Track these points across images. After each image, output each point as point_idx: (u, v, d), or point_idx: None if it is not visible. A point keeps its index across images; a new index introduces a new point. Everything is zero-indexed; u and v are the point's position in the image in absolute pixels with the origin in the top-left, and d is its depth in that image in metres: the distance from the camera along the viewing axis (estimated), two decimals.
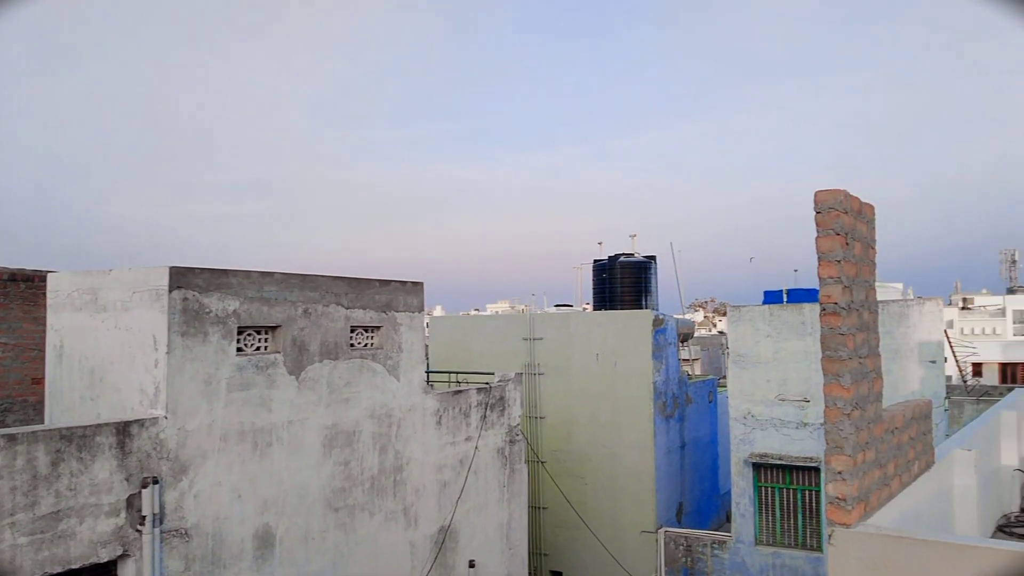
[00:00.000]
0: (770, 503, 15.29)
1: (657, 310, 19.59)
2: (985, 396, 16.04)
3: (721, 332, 42.07)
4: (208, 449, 7.89)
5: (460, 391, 11.97)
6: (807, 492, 14.87)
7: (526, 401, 17.86)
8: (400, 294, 10.55)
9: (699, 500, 19.78)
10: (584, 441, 17.89)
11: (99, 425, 7.01)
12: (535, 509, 17.56)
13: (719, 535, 15.93)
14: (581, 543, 17.45)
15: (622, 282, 21.27)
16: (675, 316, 19.43)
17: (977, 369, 37.26)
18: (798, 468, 14.93)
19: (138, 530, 7.15)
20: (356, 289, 9.83)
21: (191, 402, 7.74)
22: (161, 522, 7.35)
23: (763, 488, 15.37)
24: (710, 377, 22.21)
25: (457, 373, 15.25)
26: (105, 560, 6.90)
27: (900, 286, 24.57)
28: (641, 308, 20.47)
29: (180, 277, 7.73)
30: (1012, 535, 7.49)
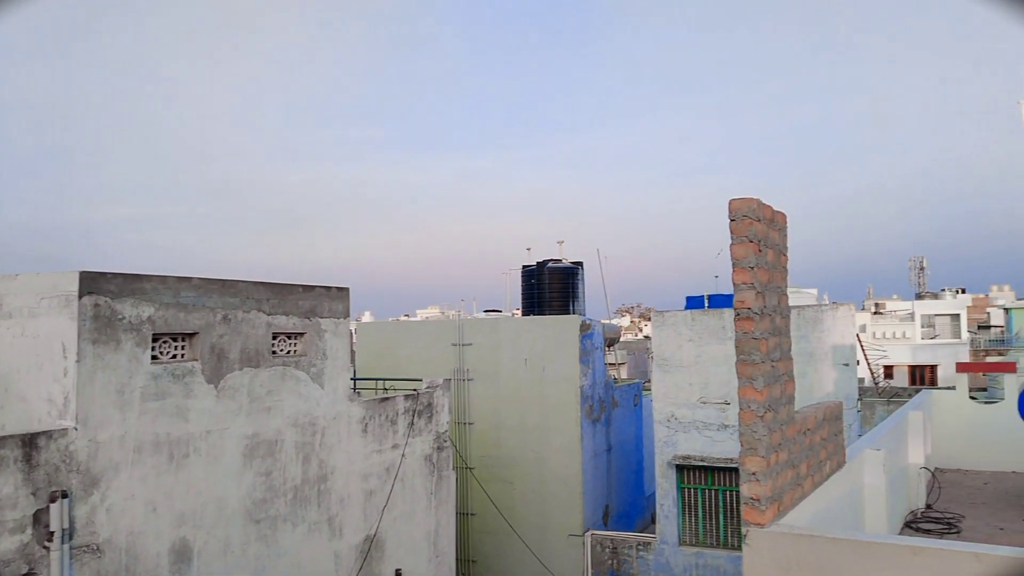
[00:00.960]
0: (693, 504, 15.61)
1: (584, 315, 19.81)
2: (895, 398, 16.77)
3: (647, 337, 42.83)
4: (121, 461, 7.59)
5: (387, 398, 11.85)
6: (728, 492, 15.24)
7: (455, 407, 17.79)
8: (325, 300, 10.37)
9: (625, 502, 20.05)
10: (513, 446, 17.93)
11: (3, 437, 6.67)
12: (463, 515, 17.49)
13: (644, 537, 16.18)
14: (509, 548, 17.46)
15: (550, 288, 21.43)
16: (602, 321, 19.67)
17: (888, 371, 38.97)
18: (720, 469, 15.29)
19: (45, 547, 6.82)
20: (278, 295, 9.61)
21: (103, 412, 7.43)
22: (71, 538, 7.03)
23: (686, 489, 15.68)
24: (636, 381, 22.57)
25: (384, 380, 15.08)
26: None
27: (815, 291, 25.50)
28: (569, 313, 20.67)
29: (91, 282, 7.42)
30: (919, 531, 7.84)
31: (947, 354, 37.33)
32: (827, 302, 22.59)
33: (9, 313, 7.86)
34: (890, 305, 51.48)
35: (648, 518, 20.70)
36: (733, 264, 3.96)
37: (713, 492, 15.46)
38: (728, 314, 15.14)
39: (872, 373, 25.80)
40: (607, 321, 22.10)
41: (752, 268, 3.92)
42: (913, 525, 7.96)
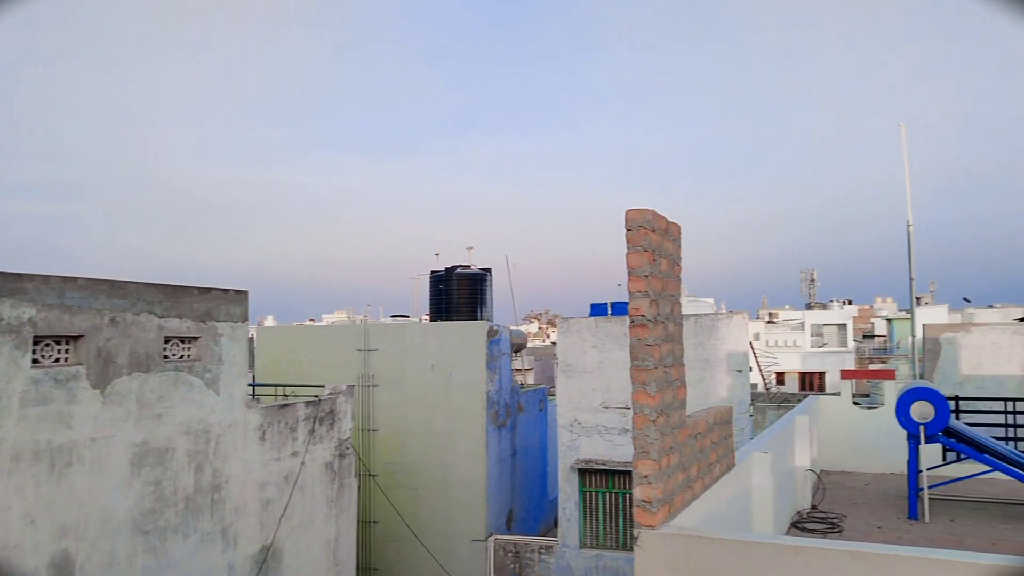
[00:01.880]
0: (594, 507, 15.89)
1: (492, 321, 19.88)
2: (785, 403, 17.55)
3: (554, 343, 43.33)
4: None
5: (286, 405, 11.56)
6: (629, 495, 15.58)
7: (359, 413, 17.52)
8: (222, 303, 10.04)
9: (529, 507, 20.21)
10: (418, 452, 17.81)
11: None
12: (365, 523, 17.23)
13: (546, 540, 16.35)
14: (412, 556, 17.32)
15: (458, 293, 21.43)
16: (509, 328, 19.80)
17: (780, 378, 40.74)
18: (620, 472, 15.61)
19: None
20: (171, 297, 9.24)
21: None
22: None
23: (588, 492, 15.95)
24: (542, 387, 22.80)
25: (285, 386, 14.72)
26: None
27: (712, 301, 26.43)
28: (477, 320, 20.71)
29: None
30: (804, 530, 8.22)
31: (834, 362, 39.32)
32: (723, 311, 23.43)
33: None
34: (783, 315, 53.89)
35: (551, 522, 20.93)
36: (628, 273, 4.06)
37: (614, 495, 15.77)
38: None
39: (764, 379, 26.91)
40: (515, 327, 22.26)
41: (647, 277, 4.04)
42: (799, 525, 8.33)
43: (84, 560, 8.00)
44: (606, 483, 15.88)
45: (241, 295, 10.39)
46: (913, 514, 8.60)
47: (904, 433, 8.72)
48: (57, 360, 7.93)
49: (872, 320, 58.24)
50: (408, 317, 24.93)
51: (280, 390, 14.76)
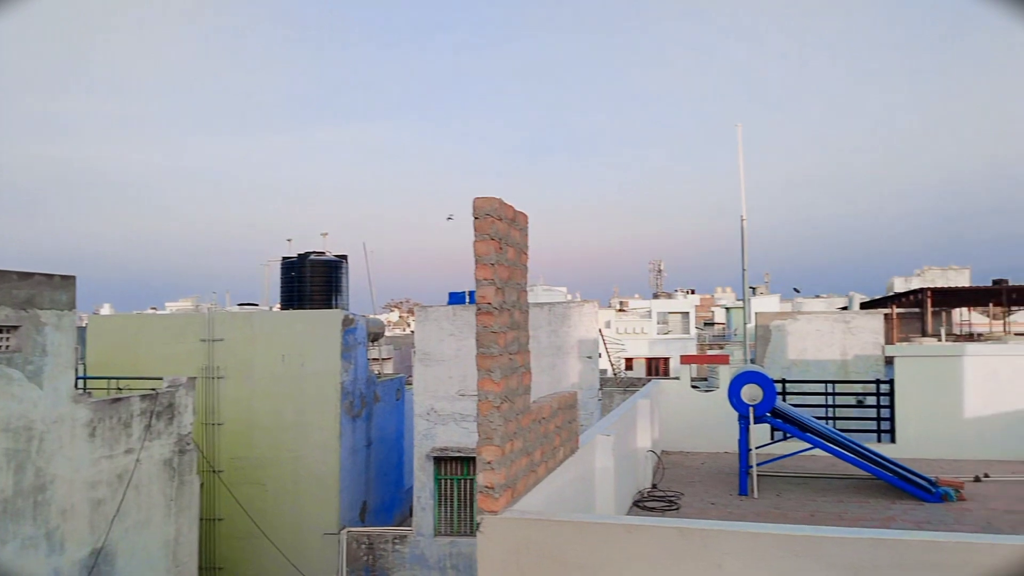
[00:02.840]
0: (449, 495, 15.97)
1: (348, 310, 19.50)
2: (631, 387, 18.32)
3: (415, 332, 43.09)
4: None
5: (120, 399, 10.84)
6: None
7: (202, 407, 16.72)
8: (45, 289, 9.25)
9: (384, 497, 20.04)
10: (267, 446, 17.23)
11: None
12: (209, 521, 16.49)
13: (400, 530, 16.28)
14: (260, 552, 16.75)
15: (312, 281, 20.86)
16: (367, 316, 19.49)
17: (629, 363, 42.54)
18: (475, 459, 15.75)
19: None
20: None
21: None
22: None
23: (443, 480, 16.00)
24: (399, 376, 22.63)
25: (119, 379, 13.78)
26: None
27: (564, 289, 27.14)
28: (332, 308, 20.25)
29: None
30: (645, 508, 8.60)
31: (678, 348, 41.48)
32: (576, 299, 24.13)
33: None
34: (632, 303, 56.25)
35: (407, 511, 20.85)
36: (475, 261, 4.08)
37: (468, 482, 15.91)
38: None
39: (612, 365, 27.98)
40: (373, 316, 21.93)
41: (493, 265, 4.07)
42: (640, 504, 8.72)
43: None
44: (461, 470, 15.99)
45: (68, 281, 9.61)
46: (743, 490, 9.20)
47: (736, 414, 9.31)
48: None
49: (713, 308, 61.94)
50: (257, 305, 23.99)
51: (114, 383, 13.80)
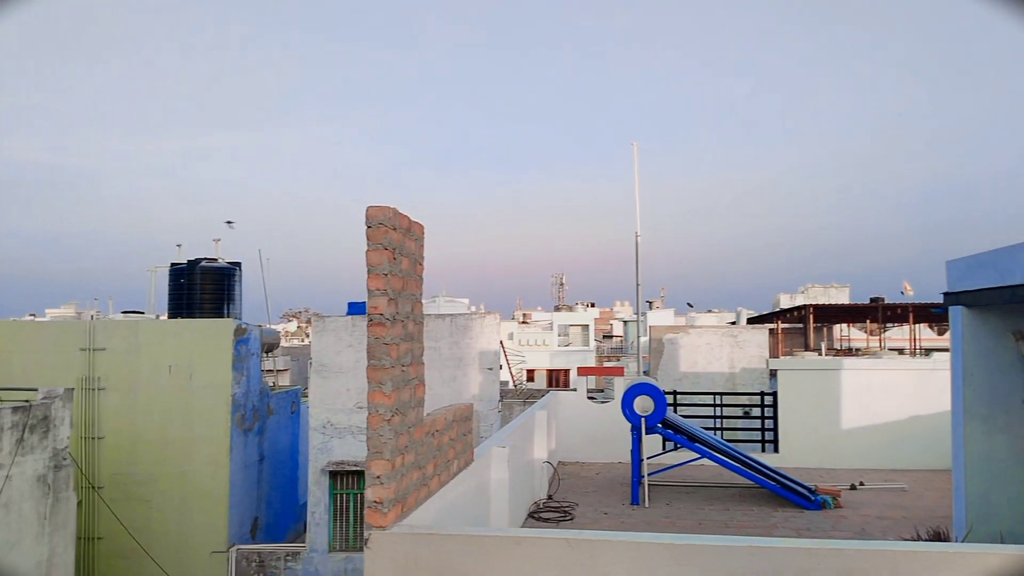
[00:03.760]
0: (345, 509, 15.63)
1: (241, 319, 18.85)
2: (531, 398, 18.44)
3: (311, 342, 42.12)
4: None
5: None
6: None
7: (80, 420, 15.81)
8: None
9: (277, 514, 19.41)
10: (152, 461, 16.41)
11: None
12: (87, 540, 15.58)
13: (293, 547, 15.81)
14: (143, 572, 15.91)
15: (203, 289, 20.05)
16: (261, 326, 18.88)
17: (531, 375, 42.91)
18: None
19: None
20: None
21: None
22: None
23: (339, 495, 15.65)
24: (295, 388, 22.02)
25: None
26: None
27: (467, 301, 27.16)
28: (223, 317, 19.53)
29: None
30: (540, 519, 8.66)
31: (578, 360, 42.13)
32: (479, 311, 24.19)
33: None
34: (535, 316, 56.87)
35: (301, 527, 20.25)
36: (368, 270, 4.01)
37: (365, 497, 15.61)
38: None
39: (513, 377, 28.15)
40: (268, 326, 21.27)
41: (386, 275, 4.01)
42: (535, 515, 8.77)
43: None
44: (358, 484, 15.68)
45: None
46: (635, 500, 9.41)
47: (630, 425, 9.52)
48: None
49: (612, 321, 63.33)
50: (143, 313, 22.89)
51: None
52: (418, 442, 4.44)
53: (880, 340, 37.26)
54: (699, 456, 9.74)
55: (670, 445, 11.15)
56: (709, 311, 47.76)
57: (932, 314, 30.75)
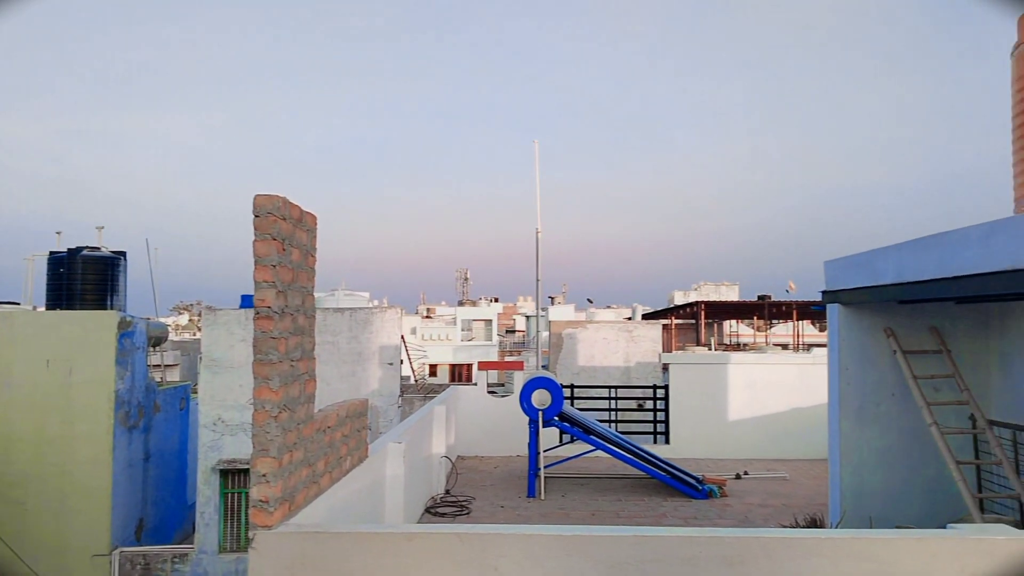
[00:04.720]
0: (237, 509, 15.15)
1: (125, 311, 17.97)
2: (432, 393, 18.36)
3: (202, 336, 40.53)
4: None
5: None
6: None
7: None
8: None
9: (164, 514, 18.61)
10: (26, 460, 15.42)
11: None
12: None
13: (181, 548, 15.22)
14: None
15: (84, 279, 18.97)
16: (148, 318, 18.03)
17: (433, 369, 42.72)
18: None
19: None
20: None
21: None
22: None
23: (230, 494, 15.16)
24: (184, 383, 21.14)
25: None
26: None
27: (367, 294, 26.76)
28: (107, 309, 18.55)
29: None
30: (437, 514, 8.64)
31: (481, 354, 42.19)
32: (380, 305, 23.89)
33: None
34: (439, 310, 56.64)
35: (190, 528, 19.49)
36: (255, 261, 3.89)
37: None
38: None
39: (414, 371, 27.94)
40: (156, 319, 20.34)
41: (275, 267, 3.89)
42: (432, 510, 8.75)
43: None
44: (250, 483, 15.21)
45: None
46: (531, 492, 9.52)
47: (528, 419, 9.62)
48: None
49: (515, 316, 63.75)
50: (19, 304, 21.47)
51: None
52: (308, 439, 4.34)
53: (766, 336, 39.03)
54: (594, 448, 9.93)
55: (567, 438, 11.34)
56: (608, 307, 48.81)
57: (813, 311, 32.44)
